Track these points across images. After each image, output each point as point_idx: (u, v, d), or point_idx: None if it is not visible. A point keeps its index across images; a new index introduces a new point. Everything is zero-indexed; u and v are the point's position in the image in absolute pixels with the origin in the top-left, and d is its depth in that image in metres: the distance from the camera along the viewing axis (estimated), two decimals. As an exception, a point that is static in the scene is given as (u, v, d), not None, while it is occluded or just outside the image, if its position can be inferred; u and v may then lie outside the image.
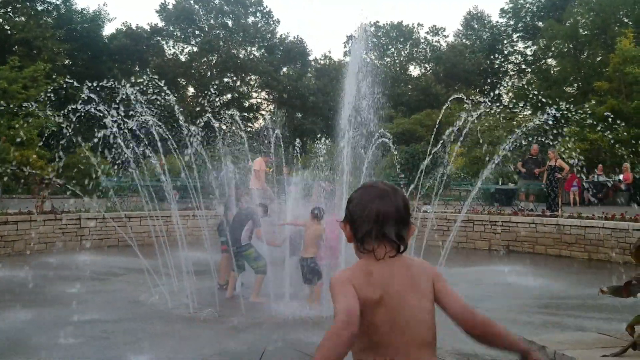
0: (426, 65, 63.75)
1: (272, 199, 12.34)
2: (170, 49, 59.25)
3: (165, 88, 10.76)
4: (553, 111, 9.63)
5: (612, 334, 3.89)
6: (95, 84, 9.87)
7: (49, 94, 25.11)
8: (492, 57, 59.89)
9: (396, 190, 2.20)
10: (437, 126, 12.21)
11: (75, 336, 6.89)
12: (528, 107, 38.34)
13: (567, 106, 11.17)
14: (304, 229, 8.84)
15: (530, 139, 16.93)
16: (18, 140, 23.12)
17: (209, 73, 57.80)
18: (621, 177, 23.47)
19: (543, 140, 14.92)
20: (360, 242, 2.15)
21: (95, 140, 9.07)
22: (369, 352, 2.06)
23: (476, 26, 62.94)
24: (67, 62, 47.35)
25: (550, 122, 10.21)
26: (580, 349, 3.56)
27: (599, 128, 24.60)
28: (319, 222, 8.73)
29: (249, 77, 60.25)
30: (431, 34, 63.72)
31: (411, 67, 64.53)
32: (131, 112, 9.63)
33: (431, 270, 2.21)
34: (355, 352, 2.10)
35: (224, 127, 12.26)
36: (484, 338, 2.10)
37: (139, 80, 10.67)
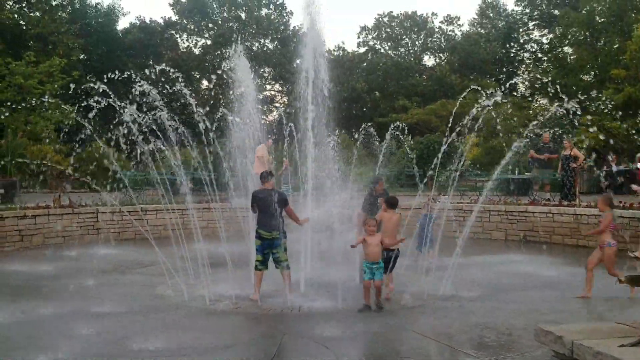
0: (441, 55, 63.11)
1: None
2: (184, 43, 59.23)
3: (180, 78, 10.71)
4: (570, 104, 9.51)
5: (630, 323, 3.86)
6: (111, 75, 9.88)
7: (64, 90, 25.16)
8: (507, 45, 59.15)
9: None
10: (452, 117, 12.08)
11: (94, 328, 6.97)
12: (543, 97, 37.97)
13: (583, 97, 11.00)
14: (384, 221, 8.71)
15: (547, 129, 16.74)
16: (35, 138, 23.18)
17: (222, 66, 57.76)
18: (639, 165, 23.16)
19: (558, 130, 14.77)
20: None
21: (111, 135, 9.15)
22: None
23: (491, 15, 62.11)
24: (82, 57, 47.52)
25: (567, 113, 10.08)
26: (598, 339, 3.54)
27: (616, 116, 24.29)
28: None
29: (262, 70, 60.18)
30: (445, 23, 62.97)
31: (425, 57, 63.91)
32: (146, 105, 9.67)
33: None
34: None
35: (237, 119, 12.27)
36: None
37: (156, 67, 10.61)
